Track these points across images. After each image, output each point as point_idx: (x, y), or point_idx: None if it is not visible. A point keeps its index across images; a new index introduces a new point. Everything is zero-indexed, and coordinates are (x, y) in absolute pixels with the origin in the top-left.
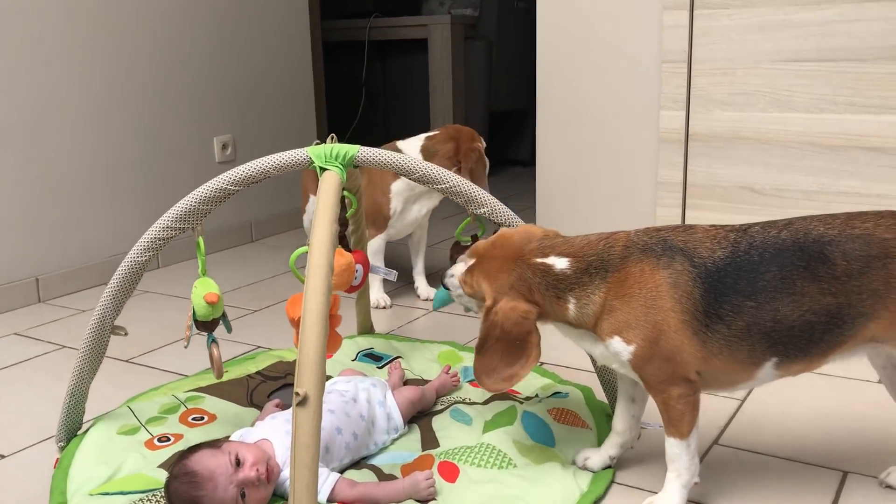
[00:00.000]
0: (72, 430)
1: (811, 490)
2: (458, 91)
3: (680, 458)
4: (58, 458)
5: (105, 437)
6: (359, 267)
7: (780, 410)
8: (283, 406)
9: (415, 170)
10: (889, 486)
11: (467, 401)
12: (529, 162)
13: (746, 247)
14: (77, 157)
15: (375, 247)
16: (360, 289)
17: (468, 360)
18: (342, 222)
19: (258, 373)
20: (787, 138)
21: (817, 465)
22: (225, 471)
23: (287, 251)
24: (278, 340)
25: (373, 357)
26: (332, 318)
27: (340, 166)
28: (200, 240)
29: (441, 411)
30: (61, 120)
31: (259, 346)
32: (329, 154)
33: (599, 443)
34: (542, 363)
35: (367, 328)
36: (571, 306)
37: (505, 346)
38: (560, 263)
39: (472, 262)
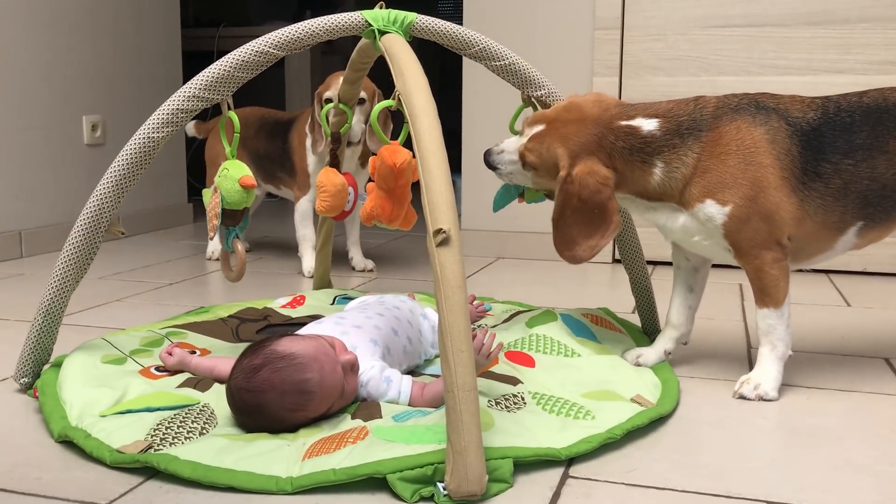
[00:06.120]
0: (39, 363)
1: (864, 376)
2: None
3: (775, 330)
4: (35, 388)
5: (90, 364)
6: (350, 189)
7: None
8: None
9: (474, 43)
10: None
11: (485, 327)
12: None
13: (835, 109)
14: None
15: (302, 210)
16: (349, 216)
17: None
18: (335, 138)
19: (232, 316)
20: None
21: (862, 356)
22: (327, 350)
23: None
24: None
25: (350, 299)
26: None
27: (401, 31)
28: (233, 114)
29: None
30: None
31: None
32: (388, 18)
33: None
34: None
35: (325, 283)
36: (658, 171)
37: (583, 217)
38: (648, 125)
39: (539, 128)
